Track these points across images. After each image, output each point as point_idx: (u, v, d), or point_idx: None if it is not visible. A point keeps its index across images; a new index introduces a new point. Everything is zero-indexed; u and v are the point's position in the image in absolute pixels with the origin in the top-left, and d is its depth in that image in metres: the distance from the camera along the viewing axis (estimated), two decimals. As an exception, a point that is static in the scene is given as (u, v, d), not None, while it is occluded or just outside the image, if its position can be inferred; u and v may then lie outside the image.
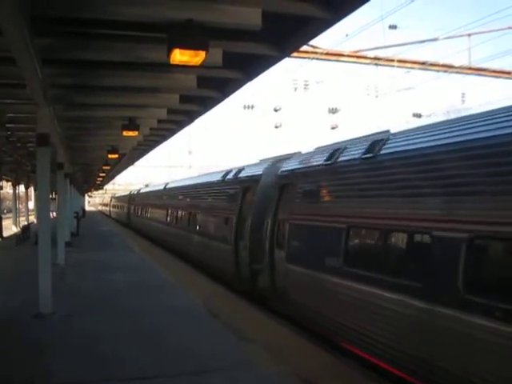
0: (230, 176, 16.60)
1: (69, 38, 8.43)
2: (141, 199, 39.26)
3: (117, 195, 71.35)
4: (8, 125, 15.32)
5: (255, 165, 15.36)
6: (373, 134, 9.55)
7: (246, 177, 14.73)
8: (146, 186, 48.94)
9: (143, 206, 36.21)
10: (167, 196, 28.16)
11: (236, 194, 14.78)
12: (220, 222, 16.06)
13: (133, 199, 44.07)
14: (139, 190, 44.69)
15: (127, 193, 53.77)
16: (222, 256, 14.85)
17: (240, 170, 15.74)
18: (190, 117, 15.75)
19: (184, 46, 6.72)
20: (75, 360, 7.43)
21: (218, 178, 18.08)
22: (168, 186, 29.66)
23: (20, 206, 50.21)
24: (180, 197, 24.55)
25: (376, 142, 8.60)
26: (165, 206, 27.33)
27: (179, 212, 23.45)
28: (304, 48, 20.27)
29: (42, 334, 8.79)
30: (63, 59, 9.46)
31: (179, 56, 6.82)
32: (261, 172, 13.62)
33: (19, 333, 8.90)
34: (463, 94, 30.52)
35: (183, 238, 21.53)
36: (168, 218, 25.70)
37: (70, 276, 14.94)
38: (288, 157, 12.75)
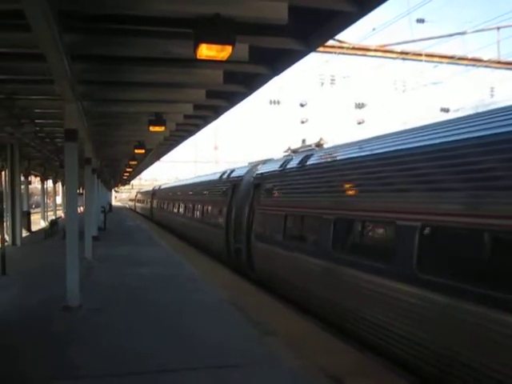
0: None
1: (97, 33, 8.54)
2: None
3: (173, 184, 39.78)
4: (37, 120, 15.54)
5: None
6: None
7: None
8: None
9: None
10: None
11: None
12: None
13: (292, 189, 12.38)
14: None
15: (221, 174, 20.97)
16: None
17: None
18: (216, 112, 15.81)
19: (211, 40, 6.74)
20: (100, 353, 7.48)
21: None
22: None
23: (48, 201, 50.95)
24: None
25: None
26: None
27: None
28: (330, 43, 20.18)
29: (68, 327, 8.90)
30: (91, 55, 9.57)
31: (206, 51, 6.84)
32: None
33: (46, 325, 9.01)
34: (492, 89, 30.08)
35: None
36: None
37: (97, 270, 15.10)
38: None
